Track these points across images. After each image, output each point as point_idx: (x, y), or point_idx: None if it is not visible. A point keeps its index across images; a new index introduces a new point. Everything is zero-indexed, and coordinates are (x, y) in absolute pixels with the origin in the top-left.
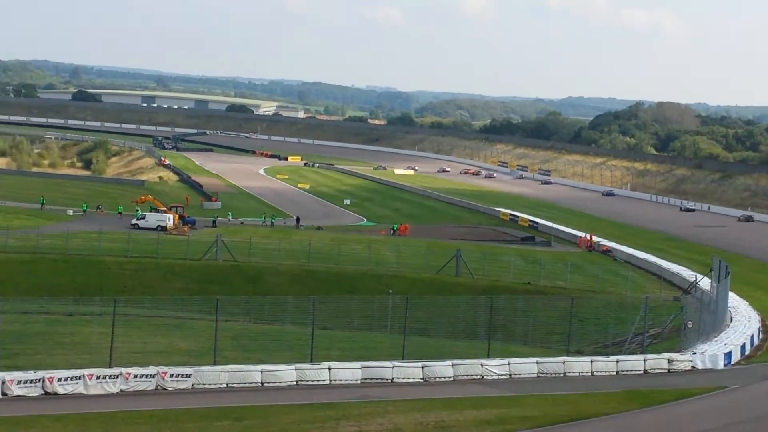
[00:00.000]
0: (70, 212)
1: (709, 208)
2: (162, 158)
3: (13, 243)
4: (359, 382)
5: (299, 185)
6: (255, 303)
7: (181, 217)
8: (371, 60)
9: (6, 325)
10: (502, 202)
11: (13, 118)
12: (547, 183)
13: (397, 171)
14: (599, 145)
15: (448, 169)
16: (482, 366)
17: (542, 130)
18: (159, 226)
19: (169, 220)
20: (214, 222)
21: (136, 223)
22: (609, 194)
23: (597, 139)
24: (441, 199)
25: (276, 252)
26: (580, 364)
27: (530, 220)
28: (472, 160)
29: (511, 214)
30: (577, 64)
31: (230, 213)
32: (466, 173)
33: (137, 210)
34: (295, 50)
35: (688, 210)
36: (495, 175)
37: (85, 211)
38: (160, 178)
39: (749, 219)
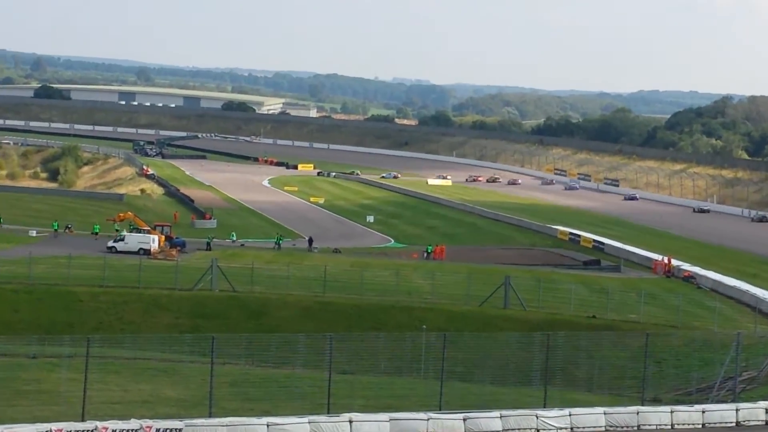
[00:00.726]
0: (34, 233)
1: None
2: (144, 167)
3: None
4: None
5: (312, 199)
6: (259, 342)
7: (168, 239)
8: (399, 47)
9: None
10: (560, 217)
11: None
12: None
13: (431, 181)
14: (678, 148)
15: (498, 179)
16: (537, 417)
17: (608, 130)
18: (141, 249)
19: (154, 241)
20: (208, 244)
21: (114, 246)
22: (701, 210)
23: (675, 142)
24: (485, 214)
25: (284, 280)
26: (657, 415)
27: (595, 240)
28: (523, 167)
29: (571, 233)
30: (650, 52)
31: (232, 234)
32: (473, 180)
33: (117, 229)
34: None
35: None
36: (520, 181)
37: (55, 230)
38: (143, 191)
39: None
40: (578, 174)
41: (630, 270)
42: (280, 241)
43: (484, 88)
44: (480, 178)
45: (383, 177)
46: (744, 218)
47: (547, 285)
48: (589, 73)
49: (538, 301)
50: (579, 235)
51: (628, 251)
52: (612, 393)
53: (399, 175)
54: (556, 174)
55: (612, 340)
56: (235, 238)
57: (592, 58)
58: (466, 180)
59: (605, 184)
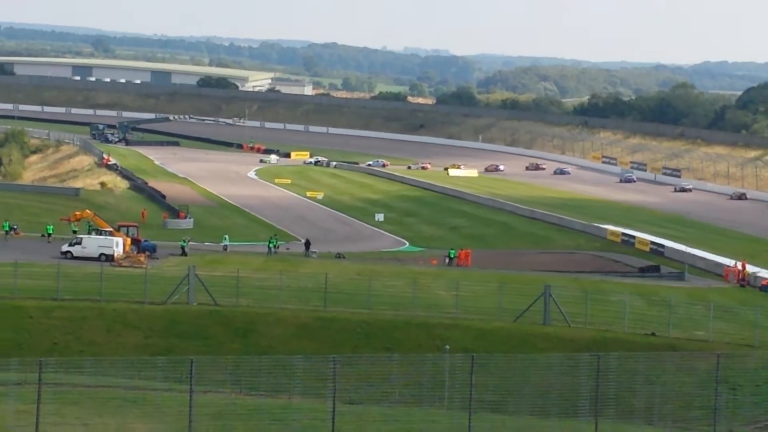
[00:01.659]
0: None
1: None
2: (105, 156)
3: None
4: None
5: (309, 194)
6: (247, 365)
7: (135, 242)
8: (411, 12)
9: None
10: (610, 215)
11: None
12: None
13: (453, 172)
14: (752, 131)
15: (544, 167)
16: None
17: (667, 110)
18: (102, 254)
19: (118, 245)
20: (183, 248)
21: (69, 251)
22: None
23: (749, 124)
24: (518, 212)
25: (276, 292)
26: None
27: (653, 242)
28: (564, 154)
29: (623, 234)
30: (718, 15)
31: (226, 236)
32: (536, 168)
33: (74, 230)
34: None
35: None
36: (569, 170)
37: (6, 231)
38: (103, 184)
39: None
40: (631, 162)
41: (696, 278)
42: (274, 245)
43: (516, 60)
44: (543, 166)
45: (369, 165)
46: None
47: (596, 296)
48: (643, 41)
49: (584, 316)
50: (633, 236)
51: (694, 255)
52: (677, 426)
53: (387, 163)
54: (604, 162)
55: (675, 362)
56: (227, 241)
57: (646, 23)
58: (527, 168)
59: (663, 174)
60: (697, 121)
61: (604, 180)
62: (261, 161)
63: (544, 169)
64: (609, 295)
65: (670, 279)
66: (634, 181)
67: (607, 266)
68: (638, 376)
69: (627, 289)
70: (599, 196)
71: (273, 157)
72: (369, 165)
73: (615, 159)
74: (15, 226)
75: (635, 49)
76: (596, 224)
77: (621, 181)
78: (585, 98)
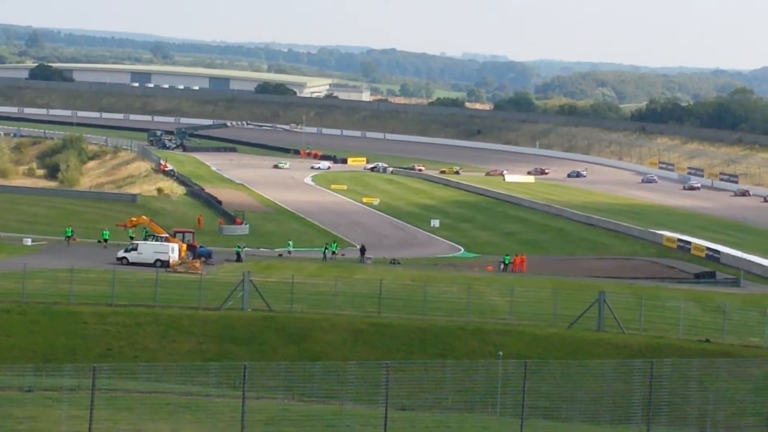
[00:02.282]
0: (29, 241)
1: None
2: (162, 162)
3: None
4: None
5: (365, 200)
6: (300, 371)
7: (191, 248)
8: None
9: None
10: (667, 221)
11: None
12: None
13: (510, 178)
14: None
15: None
16: None
17: (725, 115)
18: (158, 260)
19: (173, 251)
20: (238, 254)
21: (125, 257)
22: None
23: None
24: (574, 218)
25: (331, 298)
26: None
27: (708, 248)
28: (620, 159)
29: (679, 240)
30: None
31: (290, 242)
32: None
33: (131, 236)
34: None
35: None
36: (656, 178)
37: (69, 237)
38: (160, 190)
39: None
40: (688, 168)
41: (752, 284)
42: (330, 250)
43: (574, 65)
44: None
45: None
46: None
47: (651, 302)
48: (702, 47)
49: (639, 322)
50: (689, 242)
51: (750, 261)
52: None
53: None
54: (661, 168)
55: (730, 368)
56: (291, 248)
57: (705, 28)
58: (528, 173)
59: (721, 180)
60: (756, 127)
61: (661, 186)
62: (312, 167)
63: (547, 173)
64: (664, 302)
65: (726, 285)
66: (698, 188)
67: (663, 272)
68: (692, 383)
69: (682, 295)
70: (656, 201)
71: (324, 164)
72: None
73: (672, 165)
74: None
75: (694, 54)
76: (652, 230)
77: (685, 188)
78: (643, 104)
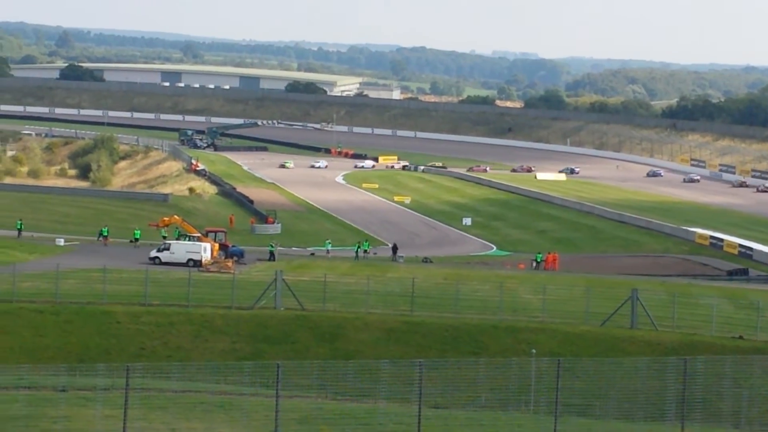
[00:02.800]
0: (61, 242)
1: None
2: (194, 161)
3: None
4: None
5: (396, 198)
6: (333, 370)
7: (223, 247)
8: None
9: None
10: (699, 218)
11: None
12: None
13: (541, 176)
14: None
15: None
16: None
17: (756, 112)
18: (190, 260)
19: (205, 250)
20: (272, 253)
21: (157, 257)
22: None
23: None
24: (606, 215)
25: (363, 296)
26: None
27: (741, 245)
28: (653, 157)
29: (712, 237)
30: None
31: (327, 242)
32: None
33: (164, 236)
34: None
35: None
36: (698, 177)
37: (105, 236)
38: (191, 190)
39: None
40: (720, 165)
41: None
42: (362, 249)
43: (604, 63)
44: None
45: (468, 171)
46: None
47: (683, 300)
48: (733, 43)
49: (672, 320)
50: (722, 239)
51: None
52: (764, 429)
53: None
54: (692, 165)
55: (763, 365)
56: (329, 247)
57: (735, 24)
58: (684, 181)
59: (753, 177)
60: None
61: (693, 183)
62: (355, 167)
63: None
64: (697, 299)
65: (759, 282)
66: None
67: (695, 269)
68: (725, 380)
69: (715, 292)
70: (688, 199)
71: (368, 162)
72: (468, 170)
73: (704, 162)
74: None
75: (725, 51)
76: (684, 227)
77: (733, 186)
78: (674, 101)
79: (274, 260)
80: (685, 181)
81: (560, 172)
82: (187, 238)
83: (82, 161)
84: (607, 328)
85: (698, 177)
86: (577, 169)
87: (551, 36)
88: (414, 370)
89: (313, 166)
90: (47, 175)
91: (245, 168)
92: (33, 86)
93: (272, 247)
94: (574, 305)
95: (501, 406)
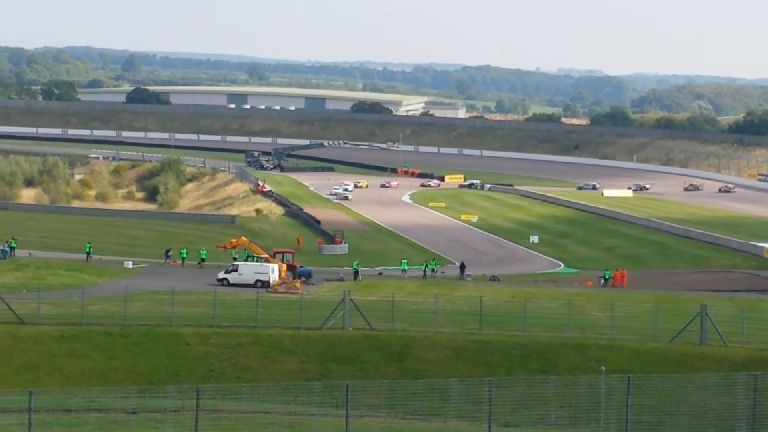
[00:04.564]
0: (129, 264)
1: None
2: (260, 183)
3: (48, 311)
4: None
5: (463, 217)
6: (402, 389)
7: (291, 268)
8: (563, 32)
9: (41, 429)
10: (765, 233)
11: (42, 131)
12: None
13: (608, 192)
14: None
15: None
16: None
17: None
18: (258, 280)
19: (273, 271)
20: (356, 272)
21: (225, 278)
22: None
23: None
24: (673, 231)
25: (431, 315)
26: None
27: None
28: (719, 172)
29: None
30: None
31: (404, 261)
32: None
33: (234, 257)
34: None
35: None
36: (649, 186)
37: (183, 259)
38: (258, 211)
39: None
40: None
41: None
42: (430, 267)
43: (670, 78)
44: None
45: (579, 188)
46: None
47: (753, 315)
48: None
49: (741, 335)
50: None
51: None
52: None
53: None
54: (760, 180)
55: None
56: (406, 266)
57: None
58: (720, 191)
59: None
60: None
61: (761, 197)
62: (422, 185)
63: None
64: (766, 314)
65: None
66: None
67: (764, 285)
68: None
69: None
70: (756, 214)
71: (435, 182)
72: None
73: None
74: (170, 253)
75: None
76: (753, 242)
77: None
78: (740, 115)
79: (342, 281)
80: (721, 191)
81: (630, 188)
82: (255, 260)
83: (149, 184)
84: (676, 344)
85: (734, 187)
86: (648, 186)
87: (616, 52)
88: (483, 389)
89: (383, 186)
90: (115, 198)
91: (312, 189)
92: (100, 110)
93: (357, 265)
94: (642, 322)
95: (571, 423)
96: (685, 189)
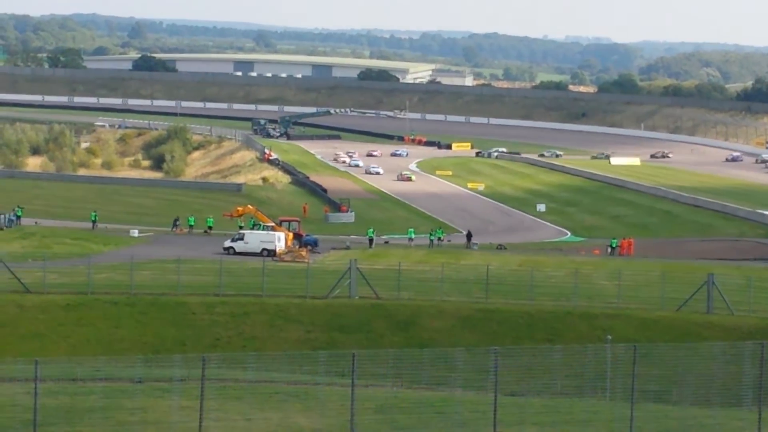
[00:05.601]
0: (135, 233)
1: None
2: (267, 151)
3: (54, 279)
4: None
5: (470, 185)
6: (408, 359)
7: (297, 236)
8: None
9: (47, 398)
10: None
11: (48, 98)
12: None
13: (615, 161)
14: None
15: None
16: None
17: None
18: (265, 249)
19: (280, 240)
20: (371, 240)
21: (231, 246)
22: None
23: None
24: (681, 200)
25: (437, 284)
26: None
27: None
28: (726, 140)
29: None
30: None
31: (411, 230)
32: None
33: (240, 225)
34: None
35: None
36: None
37: (191, 227)
38: (265, 180)
39: None
40: None
41: None
42: (436, 236)
43: (678, 46)
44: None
45: (594, 158)
46: None
47: (760, 284)
48: None
49: (748, 304)
50: None
51: None
52: None
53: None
54: (767, 148)
55: None
56: (412, 235)
57: None
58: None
59: None
60: None
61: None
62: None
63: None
64: None
65: None
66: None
67: None
68: None
69: None
70: (764, 182)
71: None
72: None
73: None
74: (177, 222)
75: None
76: (760, 211)
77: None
78: (749, 83)
79: (348, 249)
80: (757, 162)
81: (652, 156)
82: (261, 228)
83: (156, 152)
84: (683, 313)
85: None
86: (670, 154)
87: (624, 20)
88: (489, 358)
89: (394, 155)
90: (121, 166)
91: (318, 157)
92: (106, 77)
93: (372, 233)
94: (649, 291)
95: (577, 393)
96: (727, 160)
